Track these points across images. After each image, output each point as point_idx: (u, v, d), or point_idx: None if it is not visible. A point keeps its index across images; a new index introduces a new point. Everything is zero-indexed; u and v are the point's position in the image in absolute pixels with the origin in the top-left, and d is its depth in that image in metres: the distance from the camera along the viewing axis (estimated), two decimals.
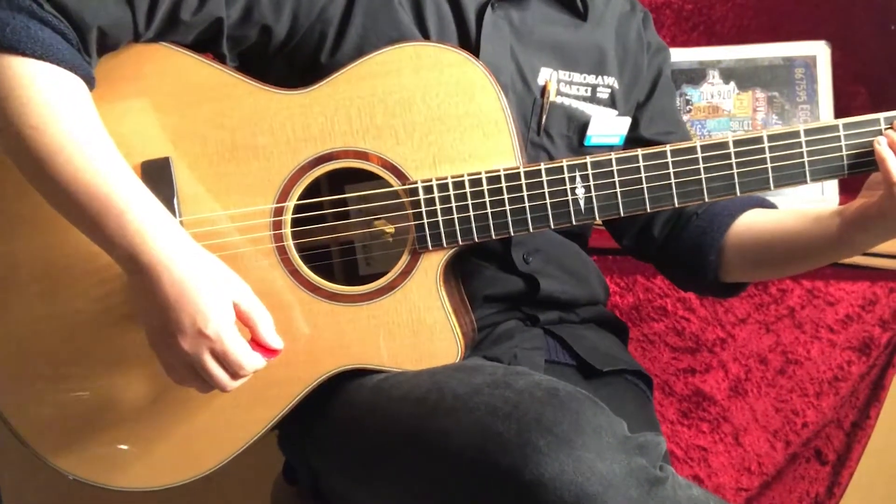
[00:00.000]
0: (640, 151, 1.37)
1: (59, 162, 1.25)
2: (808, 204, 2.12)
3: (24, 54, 1.24)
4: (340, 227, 1.43)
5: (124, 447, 1.44)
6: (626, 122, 1.61)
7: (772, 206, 1.62)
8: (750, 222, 1.58)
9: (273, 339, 1.34)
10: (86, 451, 1.44)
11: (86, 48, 1.31)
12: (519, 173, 1.37)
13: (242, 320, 1.32)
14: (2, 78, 1.25)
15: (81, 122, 1.28)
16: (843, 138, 1.36)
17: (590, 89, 1.57)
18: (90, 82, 1.31)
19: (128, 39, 1.36)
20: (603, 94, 1.58)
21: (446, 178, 1.37)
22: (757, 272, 1.63)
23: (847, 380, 2.07)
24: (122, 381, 1.43)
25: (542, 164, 1.37)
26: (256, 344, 1.33)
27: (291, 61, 1.45)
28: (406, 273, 1.40)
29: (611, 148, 1.58)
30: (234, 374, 1.31)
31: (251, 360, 1.31)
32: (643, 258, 1.74)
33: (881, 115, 1.36)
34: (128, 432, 1.44)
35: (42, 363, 1.43)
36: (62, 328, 1.42)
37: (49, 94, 1.25)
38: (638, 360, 1.71)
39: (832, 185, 2.17)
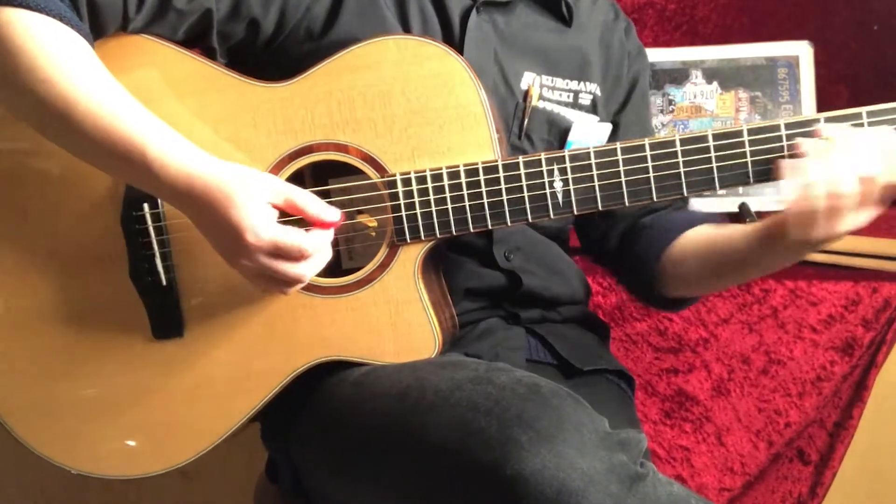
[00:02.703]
0: (618, 145, 1.37)
1: (78, 111, 1.26)
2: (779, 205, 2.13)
3: (28, 7, 1.25)
4: None
5: (103, 434, 1.44)
6: (607, 128, 1.61)
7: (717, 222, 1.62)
8: (688, 238, 1.58)
9: (326, 213, 1.33)
10: (67, 439, 1.45)
11: (79, 17, 1.31)
12: (497, 166, 1.37)
13: (287, 211, 1.31)
14: (7, 34, 1.25)
15: (90, 68, 1.28)
16: (823, 132, 1.32)
17: (572, 95, 1.57)
18: (91, 43, 1.32)
19: (116, 24, 1.36)
20: (585, 100, 1.59)
21: (424, 171, 1.37)
22: (698, 285, 1.63)
23: (830, 380, 2.07)
24: (102, 370, 1.43)
25: (520, 157, 1.37)
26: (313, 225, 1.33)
27: (278, 58, 1.45)
28: (384, 266, 1.40)
29: (600, 144, 1.58)
30: (303, 259, 1.30)
31: (310, 242, 1.30)
32: (604, 266, 1.76)
33: (863, 110, 1.33)
34: (107, 421, 1.44)
35: (24, 353, 1.43)
36: (43, 318, 1.42)
37: (55, 45, 1.26)
38: (620, 360, 1.71)
39: None
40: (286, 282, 1.32)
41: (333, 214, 1.33)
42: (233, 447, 1.47)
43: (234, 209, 1.27)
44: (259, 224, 1.27)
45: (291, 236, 1.29)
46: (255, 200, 1.28)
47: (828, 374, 2.07)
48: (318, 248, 1.32)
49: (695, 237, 1.58)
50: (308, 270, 1.32)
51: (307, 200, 1.32)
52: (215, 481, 1.81)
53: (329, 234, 1.33)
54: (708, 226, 1.60)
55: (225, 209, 1.27)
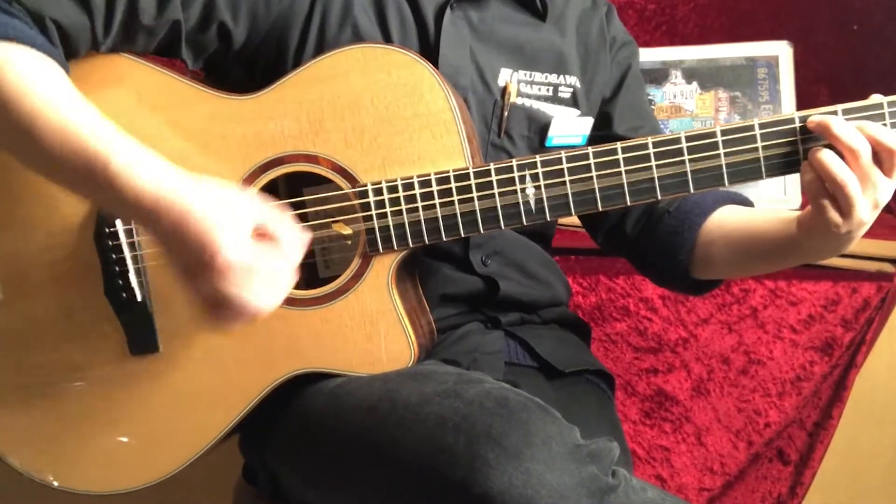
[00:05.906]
0: (590, 149, 1.34)
1: (38, 127, 1.23)
2: (769, 203, 2.13)
3: None
4: None
5: (83, 450, 1.44)
6: (589, 122, 1.59)
7: (744, 200, 1.59)
8: (720, 221, 1.54)
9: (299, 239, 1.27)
10: (47, 455, 1.44)
11: (52, 43, 1.30)
12: (468, 174, 1.35)
13: (258, 237, 1.25)
14: None
15: (56, 87, 1.26)
16: (798, 132, 1.31)
17: (551, 89, 1.55)
18: (65, 68, 1.30)
19: (87, 46, 1.35)
20: (564, 93, 1.56)
21: (396, 181, 1.36)
22: (726, 271, 1.60)
23: (809, 380, 2.07)
24: (80, 387, 1.43)
25: (491, 164, 1.35)
26: None
27: (253, 68, 1.44)
28: (358, 276, 1.39)
29: (572, 149, 1.56)
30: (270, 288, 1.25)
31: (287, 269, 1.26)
32: (619, 255, 1.71)
33: (839, 108, 1.29)
34: (87, 437, 1.44)
35: (1, 370, 1.43)
36: (19, 335, 1.42)
37: (22, 69, 1.24)
38: (600, 360, 1.71)
39: (794, 183, 2.17)
40: (237, 315, 1.24)
41: (305, 238, 1.27)
42: (214, 447, 1.46)
43: (209, 228, 1.20)
44: (234, 246, 1.20)
45: (267, 262, 1.23)
46: (231, 223, 1.21)
47: (807, 374, 2.07)
48: (288, 279, 1.26)
49: (726, 219, 1.54)
50: (270, 302, 1.25)
51: (283, 227, 1.25)
52: (194, 481, 1.81)
53: (298, 256, 1.26)
54: (738, 207, 1.56)
55: (196, 226, 1.20)
